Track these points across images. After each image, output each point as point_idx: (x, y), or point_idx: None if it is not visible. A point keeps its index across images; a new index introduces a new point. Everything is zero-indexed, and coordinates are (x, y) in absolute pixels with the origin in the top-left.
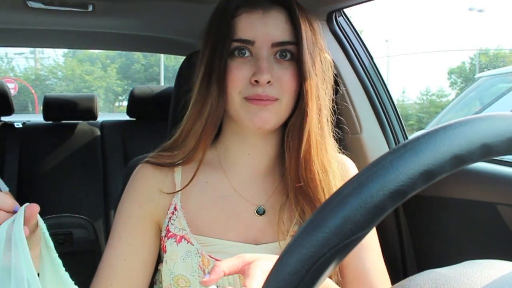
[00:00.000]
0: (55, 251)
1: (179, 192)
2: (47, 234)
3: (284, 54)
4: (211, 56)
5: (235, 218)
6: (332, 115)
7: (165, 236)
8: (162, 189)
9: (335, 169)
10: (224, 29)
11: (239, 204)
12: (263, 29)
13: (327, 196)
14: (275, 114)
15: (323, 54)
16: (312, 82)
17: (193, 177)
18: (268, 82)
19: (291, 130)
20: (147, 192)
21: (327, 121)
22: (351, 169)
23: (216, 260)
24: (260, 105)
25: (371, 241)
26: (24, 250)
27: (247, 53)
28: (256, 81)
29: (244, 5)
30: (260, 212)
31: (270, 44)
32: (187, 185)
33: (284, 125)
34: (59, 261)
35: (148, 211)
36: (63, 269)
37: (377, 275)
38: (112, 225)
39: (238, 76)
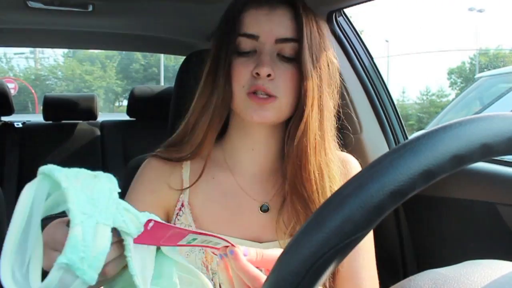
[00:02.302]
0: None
1: (187, 189)
2: None
3: (287, 52)
4: (219, 50)
5: (239, 215)
6: (336, 118)
7: None
8: (170, 184)
9: (333, 172)
10: (231, 24)
11: (244, 201)
12: (268, 25)
13: (322, 198)
14: (274, 111)
15: (330, 58)
16: (313, 83)
17: (201, 174)
18: (269, 75)
19: (291, 128)
20: (157, 182)
21: (331, 124)
22: (355, 167)
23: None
24: (259, 103)
25: (366, 242)
26: None
27: (251, 50)
28: (257, 74)
29: (251, 2)
30: (264, 210)
31: (274, 40)
32: (195, 182)
33: (288, 122)
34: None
35: (159, 198)
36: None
37: (366, 278)
38: None
39: (242, 71)
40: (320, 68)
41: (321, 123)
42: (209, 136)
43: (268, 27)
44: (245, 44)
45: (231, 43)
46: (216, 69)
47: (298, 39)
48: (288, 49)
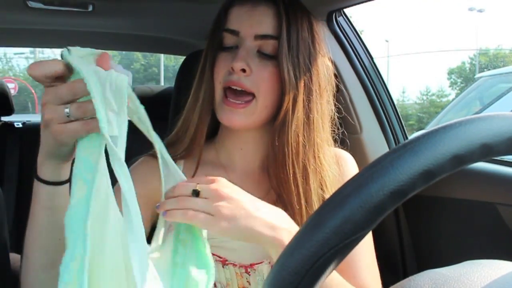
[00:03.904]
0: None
1: None
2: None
3: (266, 49)
4: (208, 45)
5: None
6: (336, 118)
7: None
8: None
9: (325, 179)
10: (218, 20)
11: None
12: (248, 21)
13: (303, 202)
14: (246, 116)
15: (324, 61)
16: (296, 84)
17: (194, 173)
18: (244, 71)
19: (275, 129)
20: (149, 177)
21: (323, 128)
22: (350, 163)
23: (213, 254)
24: (231, 106)
25: (366, 241)
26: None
27: (233, 45)
28: (232, 68)
29: None
30: None
31: (253, 36)
32: None
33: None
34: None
35: (150, 191)
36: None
37: (364, 270)
38: None
39: (221, 65)
40: (308, 70)
41: (309, 126)
42: (200, 132)
43: (248, 23)
44: (228, 39)
45: (217, 38)
46: (205, 64)
47: (277, 36)
48: (268, 46)
